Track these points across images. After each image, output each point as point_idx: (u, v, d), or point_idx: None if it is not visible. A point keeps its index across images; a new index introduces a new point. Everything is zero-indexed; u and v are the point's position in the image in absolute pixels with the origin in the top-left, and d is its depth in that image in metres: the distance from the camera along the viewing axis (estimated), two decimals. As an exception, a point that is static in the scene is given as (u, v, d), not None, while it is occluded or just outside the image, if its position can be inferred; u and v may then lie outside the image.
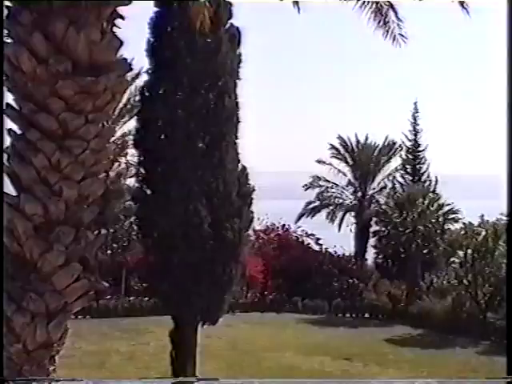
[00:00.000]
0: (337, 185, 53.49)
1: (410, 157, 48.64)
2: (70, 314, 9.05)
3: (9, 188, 8.92)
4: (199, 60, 19.24)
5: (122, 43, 8.84)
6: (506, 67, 11.51)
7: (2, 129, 16.51)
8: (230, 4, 19.37)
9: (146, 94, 20.35)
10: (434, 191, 44.02)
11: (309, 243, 49.49)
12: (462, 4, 11.05)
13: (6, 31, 8.69)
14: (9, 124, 8.95)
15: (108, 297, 39.47)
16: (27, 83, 8.58)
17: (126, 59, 9.06)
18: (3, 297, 8.62)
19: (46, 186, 8.66)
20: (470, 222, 36.57)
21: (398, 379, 17.94)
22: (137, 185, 20.46)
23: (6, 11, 8.67)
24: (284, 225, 49.33)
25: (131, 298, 40.41)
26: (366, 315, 42.60)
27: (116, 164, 42.38)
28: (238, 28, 20.16)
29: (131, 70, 9.44)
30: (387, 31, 11.30)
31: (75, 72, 8.51)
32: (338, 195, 53.67)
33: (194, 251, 19.16)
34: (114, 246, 44.29)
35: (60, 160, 8.62)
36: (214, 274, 19.48)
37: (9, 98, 8.97)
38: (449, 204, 41.61)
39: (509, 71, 15.56)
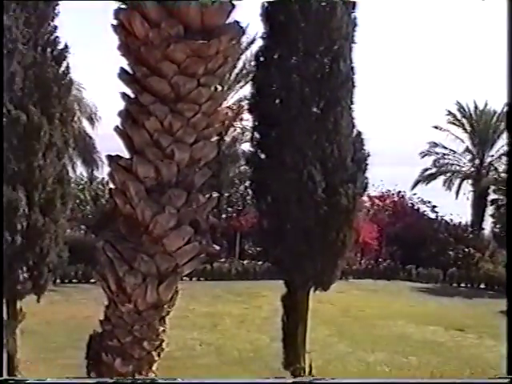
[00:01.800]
0: (454, 152, 52.63)
1: (531, 123, 47.19)
2: (181, 275, 9.15)
3: (122, 151, 9.06)
4: (314, 24, 19.05)
5: (234, 6, 8.80)
6: (507, 66, 11.05)
7: (1, 129, 16.82)
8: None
9: (261, 59, 20.29)
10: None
11: (424, 211, 49.01)
12: None
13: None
14: (123, 88, 9.07)
15: (222, 260, 40.07)
16: (140, 48, 8.66)
17: (238, 22, 9.00)
18: (3, 297, 8.75)
19: (158, 148, 8.75)
20: None
21: (398, 379, 17.60)
22: (251, 149, 20.47)
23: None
24: (399, 191, 48.94)
25: (245, 262, 40.91)
26: (482, 286, 41.94)
27: (232, 129, 42.82)
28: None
29: (244, 33, 9.39)
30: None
31: (187, 36, 8.53)
32: (455, 162, 52.79)
33: (307, 216, 19.11)
34: (229, 209, 44.87)
35: (172, 123, 8.70)
36: (327, 240, 19.39)
37: (123, 62, 9.09)
38: None
39: (509, 70, 14.98)
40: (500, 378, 10.77)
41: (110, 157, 9.07)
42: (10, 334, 18.97)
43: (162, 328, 9.44)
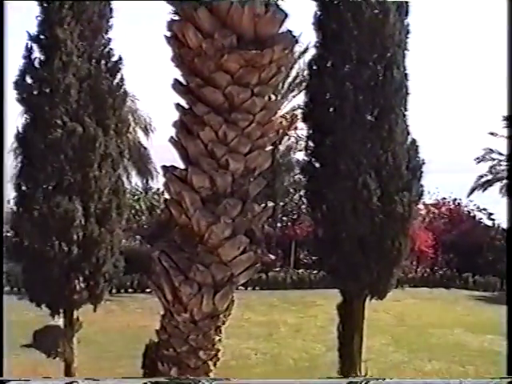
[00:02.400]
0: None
1: None
2: (236, 285, 9.15)
3: (176, 161, 9.11)
4: (367, 32, 18.94)
5: (286, 16, 8.79)
6: (507, 66, 10.91)
7: (2, 129, 16.89)
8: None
9: (314, 67, 20.22)
10: None
11: (480, 218, 48.31)
12: None
13: (171, 9, 8.84)
14: (176, 98, 9.12)
15: (277, 269, 40.01)
16: (194, 58, 8.70)
17: (291, 32, 8.99)
18: (3, 297, 8.79)
19: (212, 158, 8.79)
20: None
21: (398, 379, 17.29)
22: (306, 158, 20.40)
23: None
24: (455, 199, 48.37)
25: (300, 271, 40.77)
26: (541, 293, 41.20)
27: (286, 138, 42.77)
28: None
29: (297, 42, 9.38)
30: None
31: (240, 46, 8.54)
32: (512, 168, 51.93)
33: (362, 225, 18.96)
34: (284, 219, 44.79)
35: (226, 133, 8.72)
36: (383, 248, 19.23)
37: (176, 73, 9.14)
38: None
39: (509, 69, 14.63)
40: (500, 378, 10.64)
41: (165, 167, 9.13)
42: (67, 343, 19.16)
43: (217, 337, 9.46)
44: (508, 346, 11.02)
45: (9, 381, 5.69)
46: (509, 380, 8.49)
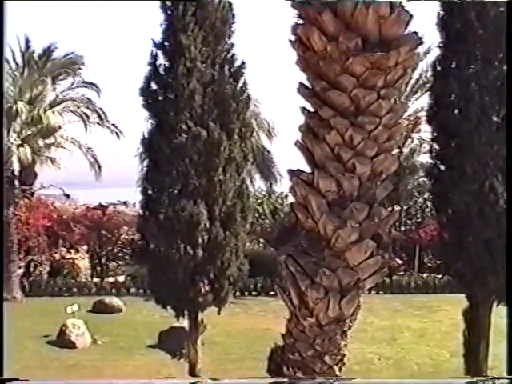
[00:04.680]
0: None
1: None
2: (363, 290, 9.08)
3: (299, 165, 9.11)
4: (492, 30, 18.52)
5: (411, 17, 8.67)
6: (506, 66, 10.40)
7: (1, 129, 16.82)
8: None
9: (438, 68, 19.89)
10: None
11: None
12: None
13: (295, 12, 8.84)
14: (302, 102, 9.12)
15: (401, 273, 39.57)
16: (318, 62, 8.68)
17: (416, 33, 8.87)
18: (3, 297, 8.78)
19: (339, 162, 8.75)
20: None
21: (399, 379, 16.48)
22: (430, 161, 20.10)
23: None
24: None
25: (424, 275, 40.20)
26: None
27: (409, 140, 42.30)
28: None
29: (422, 43, 9.23)
30: None
31: (365, 48, 8.48)
32: None
33: (489, 228, 18.55)
34: (408, 222, 44.27)
35: (353, 136, 8.67)
36: (511, 253, 18.78)
37: (301, 77, 9.14)
38: None
39: (508, 70, 13.75)
40: (500, 378, 10.26)
41: (291, 171, 9.14)
42: (191, 345, 19.43)
43: (343, 342, 9.41)
44: (508, 346, 10.69)
45: (10, 380, 5.78)
46: (509, 380, 8.22)
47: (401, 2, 8.76)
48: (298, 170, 9.06)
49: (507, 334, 11.97)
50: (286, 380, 8.74)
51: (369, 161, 8.76)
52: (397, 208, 9.15)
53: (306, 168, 9.13)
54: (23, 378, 7.18)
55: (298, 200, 9.11)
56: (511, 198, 17.04)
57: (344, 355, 9.61)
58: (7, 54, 36.99)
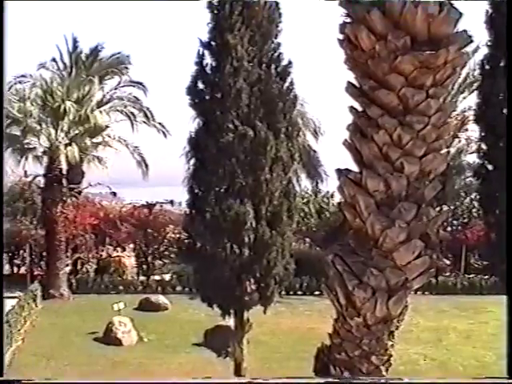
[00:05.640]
0: None
1: None
2: (410, 290, 9.03)
3: (345, 164, 9.09)
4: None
5: (460, 15, 8.59)
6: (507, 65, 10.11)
7: (1, 129, 16.70)
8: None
9: (486, 67, 19.78)
10: None
11: None
12: None
13: (343, 11, 8.82)
14: (350, 101, 9.09)
15: (447, 274, 39.24)
16: (367, 61, 8.65)
17: (466, 31, 8.78)
18: (3, 297, 8.74)
19: (387, 162, 8.71)
20: None
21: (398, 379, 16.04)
22: (478, 161, 19.97)
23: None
24: None
25: (470, 276, 39.84)
26: None
27: (456, 140, 41.93)
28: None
29: (472, 42, 9.13)
30: None
31: (414, 47, 8.43)
32: None
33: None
34: (454, 222, 43.90)
35: (401, 136, 8.63)
36: (560, 254, 18.55)
37: (350, 76, 9.11)
38: None
39: (509, 69, 13.31)
40: (500, 378, 10.09)
41: (339, 170, 9.12)
42: (237, 343, 19.46)
43: (390, 343, 9.37)
44: (508, 346, 10.52)
45: (12, 381, 5.78)
46: (509, 380, 8.10)
47: (450, 0, 8.69)
48: (346, 170, 9.03)
49: (507, 334, 11.83)
50: (337, 381, 8.74)
51: (417, 160, 8.70)
52: (445, 208, 9.10)
53: (353, 167, 9.10)
54: (26, 379, 7.22)
55: (345, 199, 9.08)
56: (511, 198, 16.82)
57: (391, 355, 9.56)
58: (55, 54, 37.50)
